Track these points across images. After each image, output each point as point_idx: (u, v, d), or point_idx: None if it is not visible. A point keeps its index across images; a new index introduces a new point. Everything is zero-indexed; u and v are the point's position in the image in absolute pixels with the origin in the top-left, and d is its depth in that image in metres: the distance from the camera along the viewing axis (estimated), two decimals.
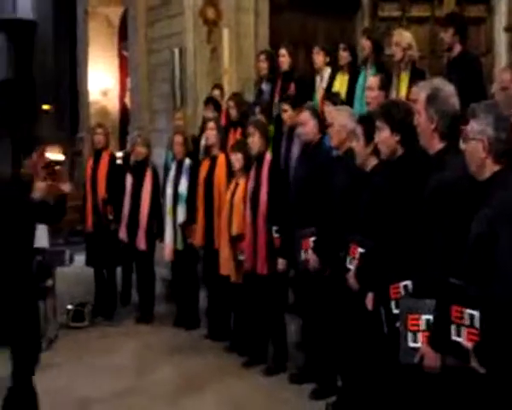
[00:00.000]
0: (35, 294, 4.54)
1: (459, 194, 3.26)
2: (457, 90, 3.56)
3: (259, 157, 6.17)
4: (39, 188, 4.64)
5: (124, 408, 5.43)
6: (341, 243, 4.65)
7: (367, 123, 4.55)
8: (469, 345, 2.92)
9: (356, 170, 4.72)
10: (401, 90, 6.08)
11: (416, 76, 5.90)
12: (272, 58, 7.92)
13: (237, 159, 6.42)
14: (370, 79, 6.08)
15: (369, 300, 4.16)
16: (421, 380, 3.39)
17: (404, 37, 6.38)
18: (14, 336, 4.42)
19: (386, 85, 5.88)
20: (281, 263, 5.95)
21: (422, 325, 3.29)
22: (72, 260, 7.49)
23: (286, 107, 6.60)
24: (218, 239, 6.75)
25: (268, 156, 6.19)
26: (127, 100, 12.68)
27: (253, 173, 6.23)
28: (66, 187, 4.93)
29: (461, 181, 3.28)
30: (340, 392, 5.26)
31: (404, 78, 6.15)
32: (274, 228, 5.97)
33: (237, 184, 6.48)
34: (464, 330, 2.95)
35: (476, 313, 2.91)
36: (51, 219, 4.97)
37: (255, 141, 6.14)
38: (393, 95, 6.07)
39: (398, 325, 3.51)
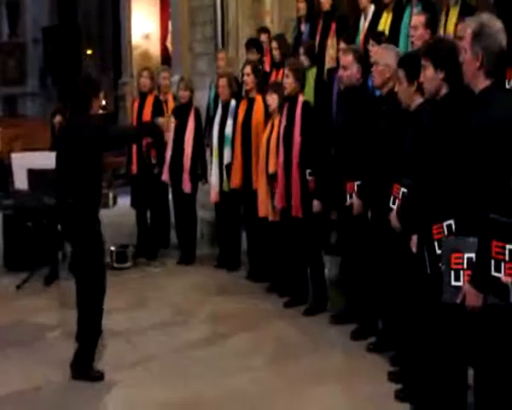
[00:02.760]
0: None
1: (507, 131, 3.19)
2: (507, 27, 3.44)
3: (292, 98, 6.13)
4: None
5: (165, 346, 5.53)
6: (385, 185, 4.60)
7: (408, 65, 4.47)
8: (508, 280, 2.89)
9: (400, 110, 4.64)
10: (449, 27, 5.89)
11: (466, 12, 5.70)
12: None
13: (273, 99, 6.41)
14: (415, 17, 5.89)
15: (414, 242, 4.11)
16: (463, 319, 3.37)
17: None
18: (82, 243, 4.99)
19: (431, 24, 5.70)
20: (316, 206, 5.95)
21: (465, 264, 3.25)
22: (115, 202, 7.59)
23: (343, 46, 6.45)
24: (255, 181, 6.76)
25: (301, 98, 6.16)
26: (168, 43, 12.65)
27: (285, 113, 6.20)
28: None
29: (510, 118, 3.21)
30: (380, 333, 5.28)
31: (453, 14, 5.95)
32: (308, 171, 5.96)
33: (273, 125, 6.45)
34: (504, 266, 2.91)
35: None
36: None
37: (289, 82, 6.12)
38: (441, 32, 5.90)
39: (441, 263, 3.48)
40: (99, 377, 4.94)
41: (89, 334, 5.00)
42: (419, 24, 5.68)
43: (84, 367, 4.95)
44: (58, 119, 7.90)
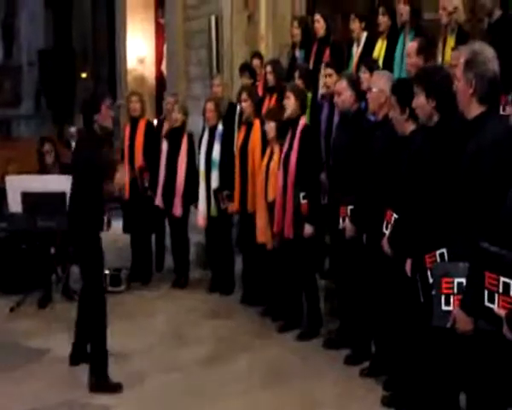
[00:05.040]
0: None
1: (499, 159, 3.23)
2: (500, 54, 3.49)
3: (293, 121, 6.16)
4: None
5: (159, 370, 5.51)
6: (379, 211, 4.63)
7: (400, 91, 4.51)
8: (502, 313, 2.89)
9: (394, 136, 4.68)
10: (446, 55, 5.96)
11: (462, 40, 5.77)
12: (306, 24, 7.85)
13: (270, 127, 6.44)
14: (408, 45, 5.98)
15: (409, 266, 4.13)
16: (455, 344, 3.39)
17: (450, 0, 6.23)
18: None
19: (425, 50, 5.77)
20: (308, 229, 5.95)
21: (455, 289, 3.27)
22: (110, 224, 7.57)
23: (330, 71, 6.52)
24: (251, 204, 6.79)
25: (302, 121, 6.17)
26: (164, 67, 12.70)
27: (288, 138, 6.23)
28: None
29: (503, 143, 3.26)
30: (373, 358, 5.29)
31: (450, 42, 6.03)
32: (301, 194, 5.99)
33: (272, 152, 6.49)
34: (498, 298, 2.92)
35: (511, 282, 2.88)
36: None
37: (290, 103, 6.14)
38: (439, 60, 5.97)
39: (433, 292, 3.49)
40: (118, 386, 5.12)
41: (99, 346, 5.16)
42: (412, 51, 5.76)
43: (102, 379, 5.11)
44: (47, 147, 7.92)
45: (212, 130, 7.47)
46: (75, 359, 5.48)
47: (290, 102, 6.14)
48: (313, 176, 6.05)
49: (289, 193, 6.08)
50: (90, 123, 5.40)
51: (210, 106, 7.47)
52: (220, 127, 7.42)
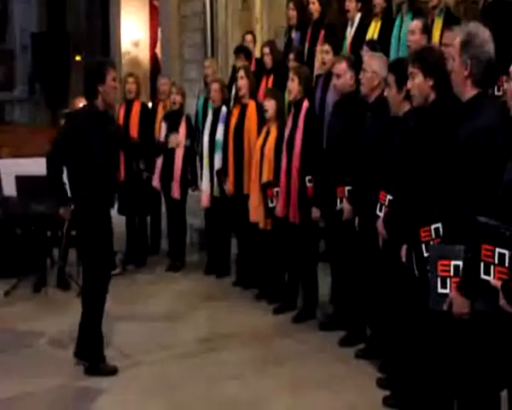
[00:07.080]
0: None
1: (494, 140, 3.23)
2: (495, 36, 3.48)
3: (297, 104, 6.12)
4: None
5: (153, 353, 5.51)
6: (375, 192, 4.62)
7: (398, 70, 4.50)
8: (498, 283, 2.91)
9: (388, 117, 4.67)
10: (434, 36, 5.97)
11: (450, 22, 5.78)
12: (301, 6, 7.82)
13: (270, 106, 6.38)
14: (413, 22, 5.99)
15: (403, 252, 4.12)
16: (450, 327, 3.39)
17: None
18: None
19: (428, 29, 5.78)
20: (314, 212, 5.91)
21: (452, 271, 3.27)
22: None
23: (327, 48, 6.49)
24: (247, 186, 6.77)
25: (306, 104, 6.10)
26: (158, 50, 12.67)
27: (290, 120, 6.19)
28: None
29: (496, 128, 3.26)
30: (368, 340, 5.30)
31: (438, 24, 6.04)
32: (307, 177, 5.95)
33: (268, 132, 6.46)
34: (494, 269, 2.93)
35: (507, 252, 2.89)
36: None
37: (294, 86, 6.08)
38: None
39: (428, 268, 3.50)
40: (112, 371, 5.04)
41: (92, 325, 5.07)
42: (416, 29, 5.78)
43: (97, 362, 5.06)
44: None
45: (217, 111, 7.43)
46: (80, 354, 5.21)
47: (294, 85, 6.08)
48: (318, 159, 5.96)
49: (294, 177, 6.03)
50: (92, 94, 5.08)
51: (215, 86, 7.43)
52: (224, 109, 7.38)
